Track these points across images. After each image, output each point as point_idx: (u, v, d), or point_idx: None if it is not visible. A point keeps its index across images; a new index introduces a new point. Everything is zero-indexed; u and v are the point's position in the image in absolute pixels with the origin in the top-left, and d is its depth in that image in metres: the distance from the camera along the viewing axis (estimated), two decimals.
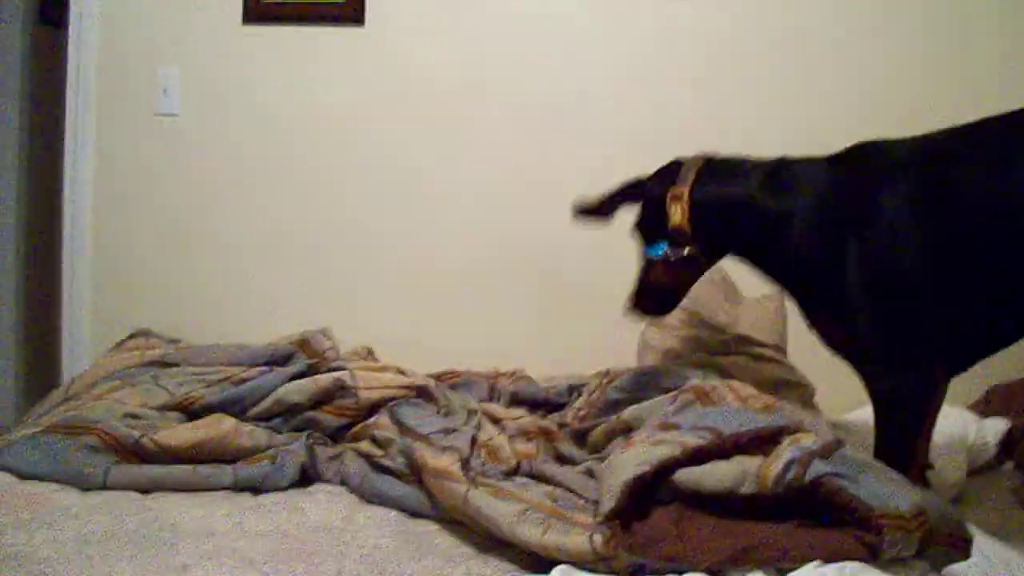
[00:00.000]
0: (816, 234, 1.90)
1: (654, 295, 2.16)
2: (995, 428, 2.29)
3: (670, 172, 2.09)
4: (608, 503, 1.51)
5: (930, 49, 2.88)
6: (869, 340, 1.87)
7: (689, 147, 2.16)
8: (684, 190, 2.03)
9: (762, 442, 1.63)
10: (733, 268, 2.65)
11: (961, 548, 1.50)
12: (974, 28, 2.87)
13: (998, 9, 2.87)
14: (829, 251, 1.87)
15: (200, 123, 3.07)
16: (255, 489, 1.82)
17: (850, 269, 1.83)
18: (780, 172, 1.99)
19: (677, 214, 2.03)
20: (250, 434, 1.95)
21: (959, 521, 1.53)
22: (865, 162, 1.90)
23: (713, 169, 2.06)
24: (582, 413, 2.19)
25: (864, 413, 2.06)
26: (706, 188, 2.03)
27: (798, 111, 2.88)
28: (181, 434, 1.90)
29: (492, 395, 2.36)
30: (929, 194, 1.78)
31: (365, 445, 1.95)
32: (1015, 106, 1.78)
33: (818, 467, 1.49)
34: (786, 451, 1.54)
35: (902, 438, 1.86)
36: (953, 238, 1.74)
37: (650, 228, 2.11)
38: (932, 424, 1.99)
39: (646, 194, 2.11)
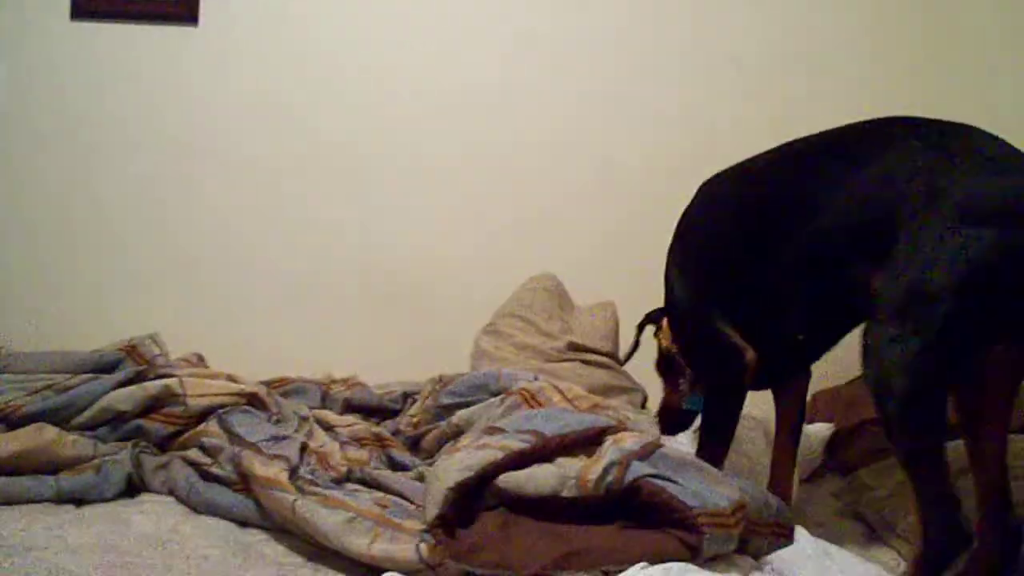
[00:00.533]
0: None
1: None
2: (820, 434, 2.37)
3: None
4: (432, 510, 1.52)
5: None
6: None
7: None
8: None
9: (585, 443, 1.67)
10: (567, 277, 2.74)
11: (783, 535, 1.59)
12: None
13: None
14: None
15: (25, 119, 2.98)
16: (79, 500, 1.77)
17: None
18: None
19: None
20: (74, 444, 1.89)
21: (780, 508, 1.62)
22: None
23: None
24: (416, 419, 2.21)
25: None
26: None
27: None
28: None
29: (325, 402, 2.35)
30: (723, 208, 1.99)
31: (194, 453, 1.91)
32: None
33: (637, 469, 1.53)
34: (607, 453, 1.58)
35: (712, 435, 1.99)
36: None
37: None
38: (788, 450, 2.09)
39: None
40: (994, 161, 1.51)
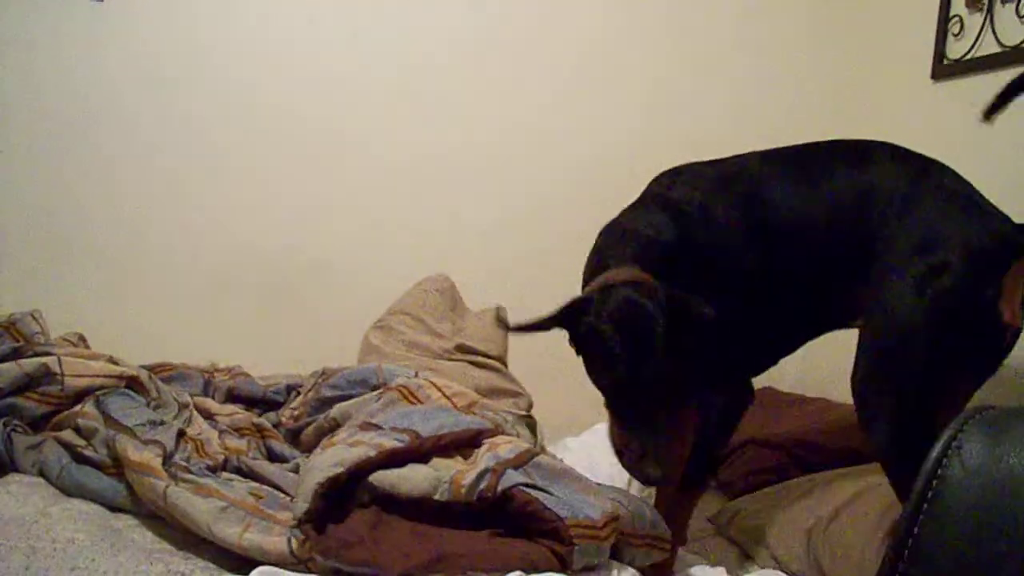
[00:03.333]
0: None
1: None
2: None
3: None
4: (302, 505, 1.51)
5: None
6: None
7: None
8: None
9: (461, 445, 1.68)
10: (459, 279, 2.76)
11: (659, 547, 1.60)
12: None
13: None
14: None
15: None
16: None
17: None
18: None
19: None
20: None
21: (655, 520, 1.62)
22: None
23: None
24: (297, 412, 2.20)
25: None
26: None
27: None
28: None
29: (208, 390, 2.32)
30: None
31: (68, 434, 1.87)
32: None
33: (511, 477, 1.54)
34: (482, 459, 1.59)
35: None
36: None
37: None
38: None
39: None
40: (959, 198, 1.58)
